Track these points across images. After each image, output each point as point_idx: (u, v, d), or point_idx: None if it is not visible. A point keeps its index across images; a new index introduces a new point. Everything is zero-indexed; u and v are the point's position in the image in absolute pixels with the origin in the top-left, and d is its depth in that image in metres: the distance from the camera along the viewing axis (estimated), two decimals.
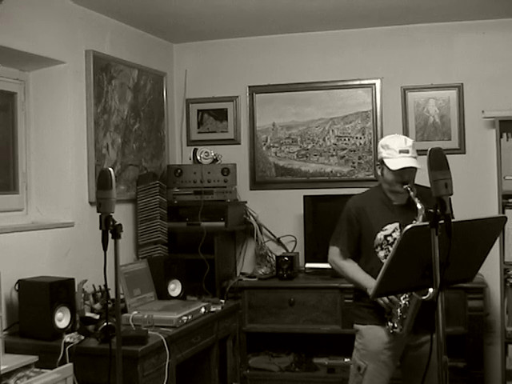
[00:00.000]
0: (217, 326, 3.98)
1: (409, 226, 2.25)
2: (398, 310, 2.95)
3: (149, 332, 3.28)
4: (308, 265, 4.56)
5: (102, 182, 2.60)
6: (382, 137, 4.61)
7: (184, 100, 5.06)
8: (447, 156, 2.14)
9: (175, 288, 4.10)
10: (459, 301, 4.04)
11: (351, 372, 3.14)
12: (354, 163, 4.74)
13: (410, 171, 3.00)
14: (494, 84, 4.44)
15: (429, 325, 2.87)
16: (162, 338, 3.28)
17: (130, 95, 4.41)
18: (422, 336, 3.01)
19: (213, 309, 3.95)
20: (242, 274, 4.73)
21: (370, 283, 2.97)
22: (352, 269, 3.14)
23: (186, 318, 3.57)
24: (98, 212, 2.56)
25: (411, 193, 2.96)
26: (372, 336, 3.05)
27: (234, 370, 4.32)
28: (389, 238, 3.05)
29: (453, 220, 2.10)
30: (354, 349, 3.14)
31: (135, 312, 3.57)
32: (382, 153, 3.06)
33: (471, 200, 4.30)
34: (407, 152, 3.01)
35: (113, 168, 3.63)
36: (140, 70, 4.52)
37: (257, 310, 4.39)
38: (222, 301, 4.22)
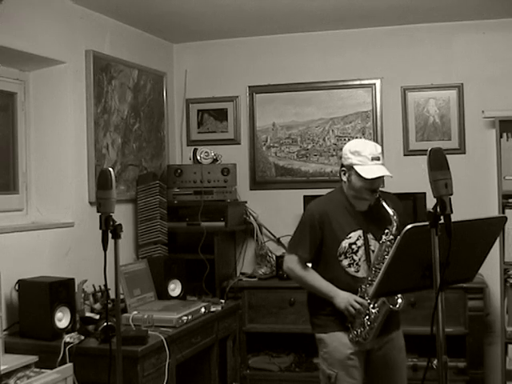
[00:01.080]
0: (217, 325, 3.98)
1: (409, 226, 2.24)
2: (366, 320, 2.89)
3: (149, 332, 3.28)
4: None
5: (101, 182, 2.59)
6: (382, 137, 4.66)
7: (184, 100, 5.06)
8: (447, 156, 2.14)
9: (175, 288, 4.10)
10: (459, 301, 4.04)
11: (322, 382, 3.05)
12: None
13: (379, 179, 2.93)
14: (494, 84, 4.44)
15: (387, 327, 2.93)
16: (162, 337, 3.28)
17: (130, 95, 4.41)
18: (383, 338, 2.99)
19: (213, 309, 3.95)
20: (242, 273, 4.73)
21: (334, 291, 2.93)
22: (313, 277, 3.01)
23: (186, 317, 3.57)
24: (97, 212, 2.56)
25: (382, 201, 2.91)
26: (336, 343, 2.96)
27: (233, 370, 4.32)
28: (353, 246, 2.96)
29: (453, 220, 2.10)
30: (319, 358, 3.07)
31: (135, 312, 3.57)
32: (352, 159, 2.92)
33: (471, 200, 4.30)
34: (378, 159, 2.93)
35: (113, 168, 3.63)
36: (140, 70, 4.52)
37: (257, 309, 4.39)
38: (222, 301, 4.22)
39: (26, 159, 3.84)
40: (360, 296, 2.91)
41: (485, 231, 2.43)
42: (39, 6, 3.60)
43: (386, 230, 2.91)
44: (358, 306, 2.87)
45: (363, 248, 2.96)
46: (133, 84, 4.45)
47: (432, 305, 2.13)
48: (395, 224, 2.88)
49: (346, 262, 2.96)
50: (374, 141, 4.60)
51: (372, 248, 2.96)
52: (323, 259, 3.02)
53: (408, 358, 4.15)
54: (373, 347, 3.00)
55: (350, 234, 2.97)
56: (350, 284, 2.93)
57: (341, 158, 3.04)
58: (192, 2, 3.99)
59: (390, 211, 2.89)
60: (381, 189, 3.02)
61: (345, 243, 2.96)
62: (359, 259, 2.96)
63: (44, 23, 3.64)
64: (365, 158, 2.90)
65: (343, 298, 2.90)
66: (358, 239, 2.97)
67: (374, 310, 2.88)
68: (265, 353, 4.55)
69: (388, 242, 2.88)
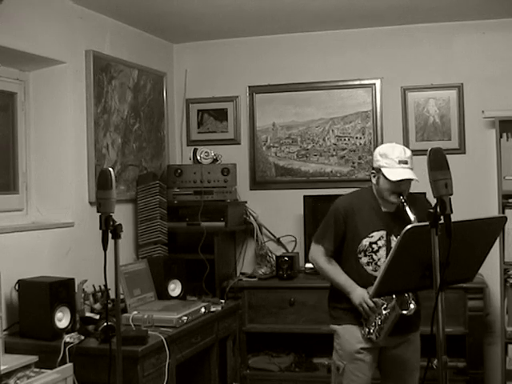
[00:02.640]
0: (217, 325, 3.98)
1: (409, 226, 2.25)
2: (378, 319, 2.93)
3: (149, 332, 3.28)
4: (308, 265, 4.55)
5: (102, 182, 2.59)
6: (382, 137, 4.66)
7: (184, 100, 5.06)
8: (447, 156, 2.14)
9: (175, 288, 4.10)
10: (459, 301, 4.04)
11: (332, 373, 3.14)
12: (353, 163, 4.74)
13: (406, 182, 2.97)
14: (494, 84, 4.44)
15: (404, 327, 2.95)
16: (162, 337, 3.28)
17: (130, 95, 4.41)
18: (398, 338, 3.01)
19: (213, 309, 3.95)
20: (242, 273, 4.73)
21: (351, 287, 2.99)
22: (335, 271, 3.07)
23: (185, 317, 3.57)
24: (97, 212, 2.56)
25: (406, 206, 2.90)
26: (348, 336, 3.03)
27: (234, 370, 4.32)
28: (373, 246, 3.01)
29: (453, 220, 2.10)
30: (333, 349, 3.13)
31: (135, 312, 3.57)
32: (380, 161, 2.99)
33: (471, 200, 4.30)
34: (406, 163, 2.98)
35: (113, 168, 3.63)
36: (140, 70, 4.52)
37: (257, 309, 4.39)
38: (222, 301, 4.22)
39: (26, 159, 3.84)
40: None
41: (485, 231, 2.43)
42: (39, 6, 3.60)
43: None
44: (371, 304, 2.92)
45: (384, 248, 3.00)
46: (133, 84, 4.45)
47: (432, 305, 2.13)
48: None
49: (364, 260, 3.02)
50: (374, 141, 4.65)
51: None
52: (343, 254, 3.08)
53: None
54: (388, 345, 3.03)
55: (372, 232, 3.01)
56: (367, 282, 2.94)
57: (372, 161, 3.11)
58: (192, 2, 3.99)
59: (412, 216, 2.85)
60: (414, 192, 3.07)
61: (366, 241, 3.01)
62: (379, 259, 3.00)
63: (44, 23, 3.64)
64: (392, 160, 2.96)
65: (359, 295, 2.96)
66: (379, 239, 3.01)
67: (384, 312, 2.90)
68: (265, 353, 4.55)
69: None
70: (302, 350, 4.52)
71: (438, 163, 2.11)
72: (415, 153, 4.46)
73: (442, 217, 2.10)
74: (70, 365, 3.02)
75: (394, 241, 2.97)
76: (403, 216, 2.90)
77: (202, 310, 3.79)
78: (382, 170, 2.97)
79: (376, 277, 2.85)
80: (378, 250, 3.01)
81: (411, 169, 2.98)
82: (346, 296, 3.01)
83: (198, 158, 4.67)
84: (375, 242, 3.01)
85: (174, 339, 3.40)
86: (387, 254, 2.95)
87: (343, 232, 3.05)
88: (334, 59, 4.77)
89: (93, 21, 4.07)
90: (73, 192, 3.86)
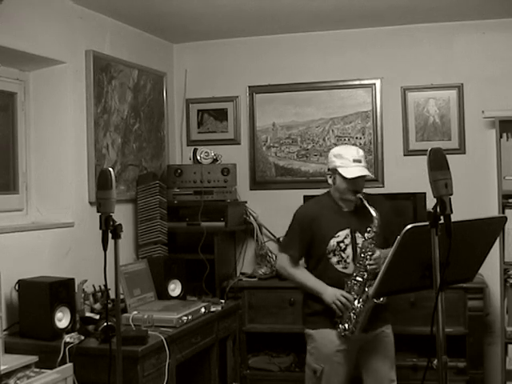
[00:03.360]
0: (217, 325, 3.98)
1: (409, 226, 2.25)
2: (352, 314, 3.07)
3: (149, 332, 3.28)
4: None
5: (102, 182, 2.60)
6: (382, 137, 4.67)
7: (184, 100, 5.06)
8: (447, 156, 2.14)
9: (175, 288, 4.10)
10: (459, 301, 4.04)
11: (306, 376, 3.26)
12: None
13: (361, 180, 3.17)
14: (494, 84, 4.44)
15: (376, 322, 3.15)
16: (162, 337, 3.28)
17: (130, 95, 4.41)
18: (373, 331, 3.20)
19: (213, 309, 3.95)
20: (242, 273, 4.73)
21: (322, 287, 3.16)
22: (303, 275, 3.25)
23: (185, 318, 3.57)
24: (97, 212, 2.56)
25: (365, 201, 3.10)
26: (324, 339, 3.17)
27: (234, 370, 4.32)
28: (341, 244, 3.17)
29: (453, 220, 2.10)
30: (307, 353, 3.28)
31: (135, 312, 3.57)
32: (336, 162, 3.18)
33: (471, 200, 4.30)
34: (360, 162, 3.17)
35: (113, 168, 3.63)
36: (140, 70, 4.52)
37: (257, 309, 4.39)
38: (222, 301, 4.22)
39: (26, 159, 3.84)
40: (346, 291, 3.11)
41: (485, 231, 2.43)
42: (39, 6, 3.60)
43: (368, 228, 3.11)
44: (344, 300, 3.08)
45: (351, 246, 3.17)
46: (133, 84, 4.45)
47: (432, 305, 2.13)
48: (376, 222, 3.09)
49: (334, 260, 3.19)
50: (374, 141, 4.66)
51: (360, 246, 3.15)
52: (314, 257, 3.26)
53: (408, 358, 4.18)
54: (362, 342, 3.18)
55: (338, 232, 3.19)
56: (339, 280, 3.13)
57: (327, 163, 3.33)
58: (192, 2, 3.99)
59: (372, 210, 3.08)
60: (369, 192, 3.27)
61: (333, 241, 3.18)
62: (347, 256, 3.17)
63: (44, 23, 3.64)
64: (347, 160, 3.16)
65: (330, 293, 3.13)
66: (345, 237, 3.19)
67: (358, 305, 3.06)
68: (265, 353, 4.55)
69: (370, 239, 3.10)
70: (302, 350, 4.48)
71: (438, 163, 2.12)
72: (415, 153, 4.56)
73: (441, 217, 2.10)
74: (70, 365, 3.02)
75: (359, 237, 3.17)
76: (363, 213, 3.14)
77: (202, 309, 3.79)
78: (338, 169, 3.17)
79: (346, 274, 3.13)
80: (345, 248, 3.17)
81: (365, 167, 3.18)
82: (317, 299, 3.17)
83: (198, 157, 4.67)
84: (342, 241, 3.18)
85: (174, 339, 3.40)
86: (353, 251, 3.17)
87: (310, 237, 3.22)
88: (334, 59, 4.77)
89: (93, 21, 4.07)
90: (73, 192, 3.86)
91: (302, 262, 3.37)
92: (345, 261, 3.17)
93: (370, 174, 3.20)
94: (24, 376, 2.91)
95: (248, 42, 4.91)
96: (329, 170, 3.26)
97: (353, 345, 3.16)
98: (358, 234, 3.17)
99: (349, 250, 3.17)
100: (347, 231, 3.18)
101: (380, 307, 3.11)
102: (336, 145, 4.73)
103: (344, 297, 3.08)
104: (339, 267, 3.17)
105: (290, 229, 3.31)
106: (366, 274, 3.10)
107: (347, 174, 3.12)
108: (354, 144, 4.72)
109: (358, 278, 3.10)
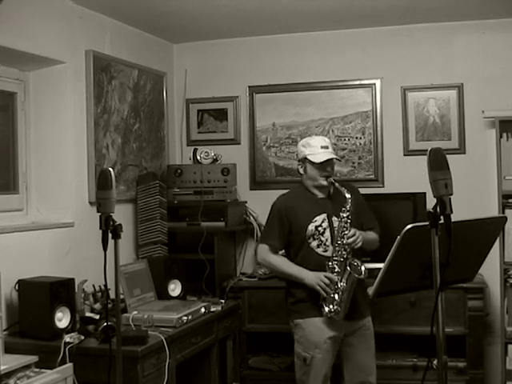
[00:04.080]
0: (217, 326, 3.99)
1: (409, 226, 2.25)
2: (336, 295, 3.15)
3: (149, 332, 3.28)
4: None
5: (102, 182, 2.60)
6: (382, 137, 4.67)
7: (184, 100, 5.06)
8: (447, 156, 2.14)
9: (175, 288, 4.10)
10: (459, 301, 4.04)
11: (296, 365, 3.34)
12: (354, 163, 4.74)
13: (331, 164, 3.34)
14: (494, 84, 4.44)
15: (357, 312, 3.26)
16: (162, 338, 3.28)
17: (130, 95, 4.41)
18: (358, 321, 3.31)
19: (213, 309, 3.95)
20: (242, 274, 4.73)
21: (303, 272, 3.27)
22: (284, 263, 3.36)
23: (185, 318, 3.57)
24: (98, 212, 2.56)
25: (336, 184, 3.26)
26: (313, 327, 3.26)
27: (233, 370, 4.32)
28: (319, 228, 3.30)
29: (453, 220, 2.10)
30: (295, 343, 3.35)
31: (135, 312, 3.57)
32: (304, 151, 3.36)
33: (471, 200, 4.30)
34: (327, 148, 3.35)
35: (113, 168, 3.63)
36: (140, 70, 4.52)
37: (257, 309, 4.39)
38: (222, 301, 4.22)
39: (26, 159, 3.84)
40: (329, 272, 3.21)
41: (485, 231, 2.43)
42: (39, 6, 3.60)
43: (343, 208, 3.22)
44: (327, 280, 3.18)
45: (328, 230, 3.29)
46: (133, 84, 4.45)
47: (432, 305, 2.13)
48: (349, 201, 3.23)
49: (314, 244, 3.31)
50: (374, 141, 4.66)
51: (336, 227, 3.27)
52: (294, 244, 3.37)
53: (408, 358, 4.18)
54: (346, 331, 3.28)
55: (314, 217, 3.31)
56: (320, 263, 3.24)
57: (297, 156, 3.47)
58: (192, 2, 3.98)
59: (344, 191, 3.24)
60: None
61: (311, 226, 3.30)
62: (326, 239, 3.28)
63: (44, 23, 3.64)
64: (314, 147, 3.33)
65: (313, 276, 3.22)
66: (323, 222, 3.31)
67: (341, 284, 3.14)
68: (265, 353, 4.55)
69: (345, 218, 3.23)
70: None
71: (438, 163, 2.12)
72: (415, 153, 4.56)
73: (441, 217, 2.10)
74: (70, 365, 3.02)
75: (336, 221, 3.28)
76: (337, 198, 3.30)
77: (202, 310, 3.79)
78: (308, 157, 3.33)
79: (327, 257, 3.24)
80: (324, 232, 3.30)
81: (331, 152, 3.35)
82: (300, 288, 3.27)
83: (198, 158, 4.67)
84: (320, 225, 3.30)
85: (174, 339, 3.41)
86: (331, 235, 3.29)
87: (289, 226, 3.35)
88: (334, 59, 4.76)
89: (93, 21, 4.07)
90: (73, 192, 3.86)
91: (281, 252, 3.47)
92: (324, 244, 3.29)
93: (337, 157, 3.39)
94: (24, 376, 2.91)
95: (248, 42, 4.91)
96: (299, 160, 3.41)
97: (339, 332, 3.26)
98: (334, 218, 3.29)
99: (327, 233, 3.29)
100: (324, 215, 3.31)
101: (362, 298, 3.26)
102: (336, 145, 4.74)
103: (327, 277, 3.18)
104: (319, 251, 3.29)
105: (269, 220, 3.43)
106: (345, 253, 3.19)
107: (316, 159, 3.28)
108: (354, 144, 4.73)
109: (338, 258, 3.20)
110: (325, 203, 3.36)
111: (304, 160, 3.37)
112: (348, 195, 3.22)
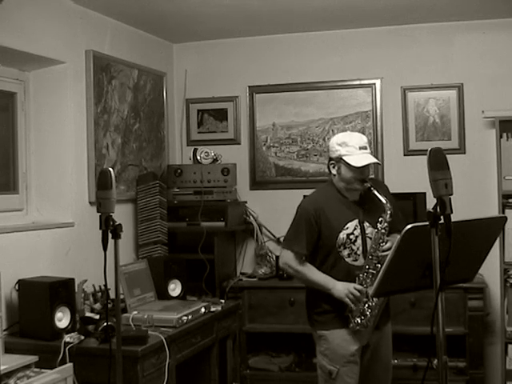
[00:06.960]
0: (217, 326, 3.98)
1: (409, 226, 2.24)
2: (366, 307, 2.95)
3: (149, 332, 3.28)
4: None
5: (102, 182, 2.60)
6: (382, 137, 4.66)
7: (184, 100, 5.06)
8: (447, 156, 2.14)
9: (175, 288, 4.10)
10: (459, 301, 4.04)
11: (320, 377, 3.11)
12: None
13: (368, 167, 3.02)
14: (494, 84, 4.44)
15: (382, 317, 3.05)
16: (162, 338, 3.28)
17: (130, 95, 4.41)
18: (383, 327, 3.10)
19: (213, 309, 3.94)
20: (242, 273, 4.73)
21: (331, 282, 2.98)
22: (311, 271, 3.05)
23: (185, 318, 3.57)
24: (97, 212, 2.56)
25: (374, 190, 2.96)
26: (339, 340, 3.01)
27: (234, 370, 4.32)
28: (351, 237, 3.01)
29: (453, 220, 2.10)
30: (318, 355, 3.11)
31: (135, 312, 3.57)
32: (340, 150, 2.99)
33: (471, 200, 4.30)
34: (366, 148, 3.00)
35: (113, 168, 3.64)
36: (140, 70, 4.52)
37: (257, 309, 4.39)
38: (222, 301, 4.22)
39: (26, 159, 3.84)
40: (359, 284, 2.97)
41: (485, 231, 2.43)
42: (39, 6, 3.60)
43: (381, 218, 2.97)
44: (357, 293, 2.92)
45: (360, 237, 3.02)
46: (133, 84, 4.45)
47: (432, 305, 2.13)
48: (388, 212, 2.95)
49: (345, 253, 3.02)
50: (374, 141, 4.65)
51: (369, 236, 3.02)
52: (321, 251, 3.06)
53: (408, 358, 4.18)
54: (369, 341, 3.07)
55: (346, 224, 3.02)
56: (350, 274, 2.99)
57: (328, 152, 3.12)
58: (192, 2, 3.98)
59: (383, 199, 2.94)
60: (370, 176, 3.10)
61: (343, 234, 3.01)
62: (357, 248, 3.02)
63: (44, 23, 3.64)
64: (352, 147, 2.97)
65: (342, 287, 2.96)
66: (355, 229, 3.03)
67: (373, 299, 2.93)
68: (265, 353, 4.55)
69: (383, 230, 2.96)
70: (302, 350, 4.52)
71: (437, 163, 2.11)
72: (415, 153, 4.56)
73: (441, 217, 2.10)
74: (69, 365, 3.02)
75: (368, 227, 3.02)
76: (371, 201, 2.99)
77: (202, 309, 3.79)
78: (344, 158, 2.97)
79: (357, 266, 2.99)
80: (355, 240, 3.01)
81: (370, 153, 3.03)
82: (325, 297, 3.01)
83: (198, 158, 4.67)
84: (352, 233, 3.01)
85: (174, 339, 3.41)
86: (363, 243, 3.01)
87: (317, 232, 3.03)
88: (333, 59, 4.76)
89: (93, 21, 4.07)
90: (73, 192, 3.86)
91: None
92: (355, 253, 3.01)
93: (377, 161, 3.06)
94: (24, 376, 2.91)
95: (248, 42, 4.91)
96: (331, 159, 3.06)
97: (365, 341, 3.06)
98: (366, 224, 3.03)
99: (359, 242, 3.01)
100: (355, 222, 3.02)
101: (385, 303, 3.06)
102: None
103: (357, 289, 2.93)
104: (349, 260, 3.01)
105: (295, 223, 3.09)
106: (379, 265, 2.93)
107: (355, 163, 2.94)
108: None
109: (371, 270, 2.95)
110: (356, 207, 3.05)
111: (339, 160, 3.01)
112: (388, 204, 2.93)
